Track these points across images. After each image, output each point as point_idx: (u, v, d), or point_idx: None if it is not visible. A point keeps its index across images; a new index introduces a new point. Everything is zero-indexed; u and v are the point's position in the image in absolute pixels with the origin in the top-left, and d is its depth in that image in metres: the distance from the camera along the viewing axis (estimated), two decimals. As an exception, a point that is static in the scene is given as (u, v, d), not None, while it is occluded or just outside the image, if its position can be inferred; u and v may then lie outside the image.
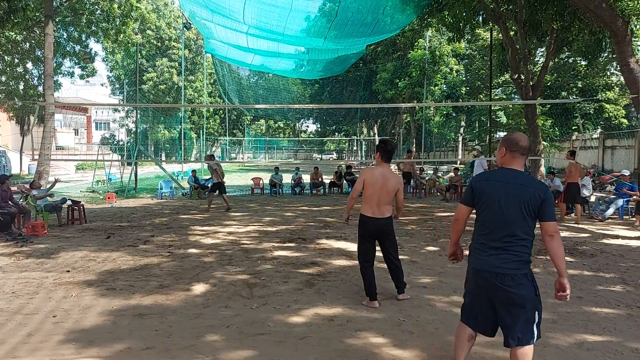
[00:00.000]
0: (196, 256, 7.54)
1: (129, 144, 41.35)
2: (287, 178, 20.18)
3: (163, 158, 46.01)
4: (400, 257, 7.43)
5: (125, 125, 52.96)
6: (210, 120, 52.19)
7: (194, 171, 18.14)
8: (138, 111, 26.67)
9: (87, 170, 34.29)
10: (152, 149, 47.85)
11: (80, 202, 11.88)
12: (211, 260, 7.27)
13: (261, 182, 19.31)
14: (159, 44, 48.53)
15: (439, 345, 4.11)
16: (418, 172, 18.91)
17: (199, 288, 5.79)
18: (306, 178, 19.91)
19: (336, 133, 61.97)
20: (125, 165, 25.36)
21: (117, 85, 51.49)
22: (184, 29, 30.37)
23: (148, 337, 4.30)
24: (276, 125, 73.22)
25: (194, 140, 47.89)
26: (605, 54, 21.86)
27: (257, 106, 29.89)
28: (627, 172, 13.21)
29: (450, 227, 3.64)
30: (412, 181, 17.74)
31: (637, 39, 18.61)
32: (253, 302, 5.26)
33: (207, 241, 8.79)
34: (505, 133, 30.21)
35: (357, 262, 7.26)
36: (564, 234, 9.67)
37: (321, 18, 17.61)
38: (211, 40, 20.49)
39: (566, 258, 7.36)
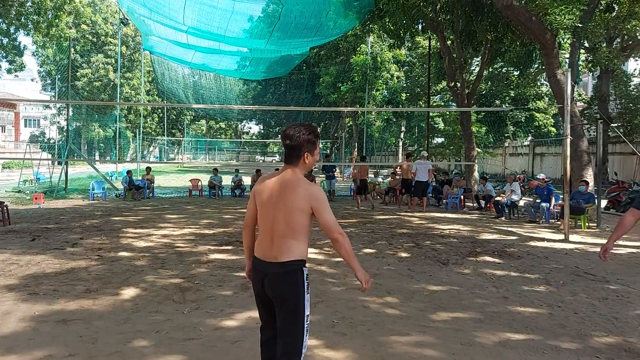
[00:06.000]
0: (127, 259, 7.28)
1: (60, 143, 39.52)
2: (227, 180, 19.88)
3: (97, 157, 44.28)
4: (336, 259, 7.56)
5: (56, 122, 50.63)
6: (148, 119, 50.75)
7: (129, 171, 17.53)
8: (71, 108, 25.53)
9: (13, 169, 32.49)
10: (86, 147, 45.96)
11: (3, 202, 11.20)
12: (143, 263, 7.04)
13: (199, 183, 18.94)
14: (95, 40, 46.77)
15: (370, 346, 4.15)
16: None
17: (128, 292, 5.59)
18: (248, 180, 19.71)
19: (279, 135, 61.83)
20: (56, 164, 24.21)
21: (49, 81, 49.16)
22: (121, 24, 29.40)
23: (71, 343, 4.11)
24: (217, 126, 72.19)
25: (130, 139, 46.38)
26: (536, 65, 22.98)
27: (197, 106, 29.34)
28: (542, 176, 13.86)
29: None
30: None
31: (564, 51, 19.70)
32: (185, 306, 5.12)
33: (139, 244, 8.51)
34: (442, 139, 31.24)
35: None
36: (493, 236, 10.07)
37: (264, 19, 17.52)
38: (150, 37, 19.91)
39: (494, 259, 7.69)
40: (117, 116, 30.93)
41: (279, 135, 62.00)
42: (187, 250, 8.01)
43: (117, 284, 5.94)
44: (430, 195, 16.62)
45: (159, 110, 51.36)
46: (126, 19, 27.21)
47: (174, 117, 58.65)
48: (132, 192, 16.71)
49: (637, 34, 23.50)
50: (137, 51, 46.72)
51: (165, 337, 4.29)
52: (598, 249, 8.77)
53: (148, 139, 51.37)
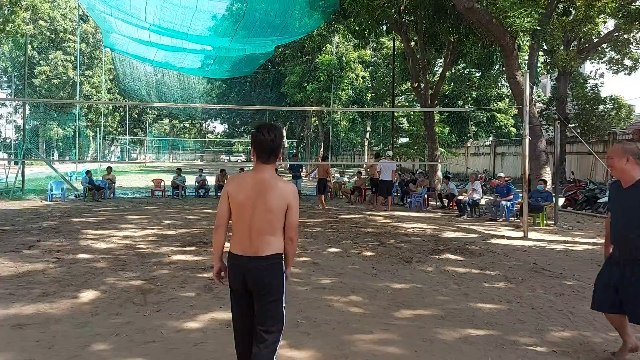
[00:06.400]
0: (86, 262, 7.09)
1: (16, 142, 38.20)
2: (191, 180, 19.62)
3: (56, 157, 43.01)
4: (302, 259, 7.55)
5: (13, 121, 48.97)
6: (109, 118, 49.60)
7: (88, 172, 17.09)
8: (28, 106, 24.72)
9: (-34, 169, 31.21)
10: (44, 147, 44.59)
11: (-46, 204, 10.77)
12: (103, 265, 6.87)
13: (162, 183, 18.62)
14: (53, 36, 45.42)
15: (334, 344, 4.16)
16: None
17: (87, 295, 5.45)
18: (212, 180, 19.47)
19: (244, 135, 61.32)
20: (12, 164, 23.41)
21: (5, 78, 47.53)
22: (81, 21, 28.63)
23: (28, 348, 3.99)
24: (181, 124, 71.16)
25: (91, 139, 45.24)
26: (497, 67, 23.52)
27: (160, 104, 28.85)
28: (502, 175, 14.23)
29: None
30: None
31: (523, 53, 20.21)
32: (146, 308, 5.03)
33: (99, 246, 8.30)
34: (407, 138, 31.67)
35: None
36: (455, 234, 10.25)
37: (229, 18, 17.38)
38: (111, 34, 19.49)
39: (456, 257, 7.83)
40: (77, 115, 30.10)
41: (245, 135, 61.37)
42: (149, 252, 7.86)
43: (76, 286, 5.78)
44: (396, 194, 16.81)
45: (121, 108, 50.27)
46: (86, 15, 26.59)
47: (136, 115, 57.53)
48: (92, 192, 16.30)
49: (593, 37, 24.34)
50: (97, 48, 45.56)
51: (126, 340, 4.21)
52: (556, 246, 9.03)
53: (109, 138, 50.21)
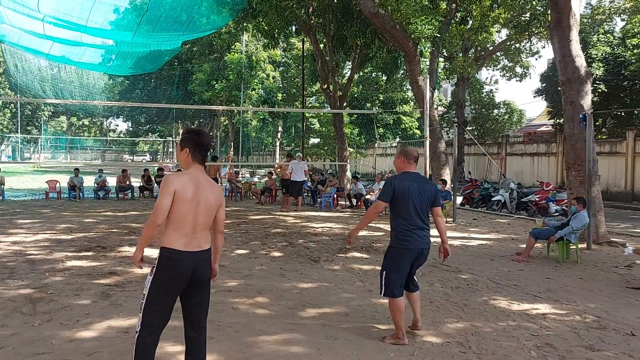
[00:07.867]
0: (-33, 271, 6.47)
1: None
2: (90, 181, 18.54)
3: None
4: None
5: None
6: (-2, 115, 45.73)
7: (-27, 172, 15.66)
8: None
9: None
10: None
11: None
12: (-14, 274, 6.31)
13: (58, 185, 17.43)
14: None
15: (237, 347, 4.10)
16: (234, 175, 18.97)
17: (-33, 307, 4.98)
18: (112, 181, 18.51)
19: (150, 133, 58.99)
20: None
21: None
22: (-35, 8, 26.08)
23: None
24: (80, 122, 67.10)
25: (-23, 137, 41.51)
26: (401, 71, 24.48)
27: (56, 101, 26.98)
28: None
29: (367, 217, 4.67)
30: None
31: (425, 59, 21.18)
32: (36, 318, 4.68)
33: (-17, 253, 7.61)
34: (317, 139, 32.08)
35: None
36: (362, 233, 10.51)
37: (132, 11, 16.67)
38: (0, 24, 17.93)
39: (362, 255, 8.04)
40: (-40, 110, 27.49)
41: (150, 133, 58.82)
42: (40, 258, 7.32)
43: (-47, 298, 5.26)
44: (306, 195, 16.94)
45: (12, 105, 46.49)
46: (-30, 2, 24.26)
47: (30, 112, 53.40)
48: (-23, 195, 14.94)
49: (488, 46, 26.07)
50: (-16, 39, 41.83)
51: (12, 352, 3.91)
52: (453, 242, 9.52)
53: (-2, 136, 46.33)
